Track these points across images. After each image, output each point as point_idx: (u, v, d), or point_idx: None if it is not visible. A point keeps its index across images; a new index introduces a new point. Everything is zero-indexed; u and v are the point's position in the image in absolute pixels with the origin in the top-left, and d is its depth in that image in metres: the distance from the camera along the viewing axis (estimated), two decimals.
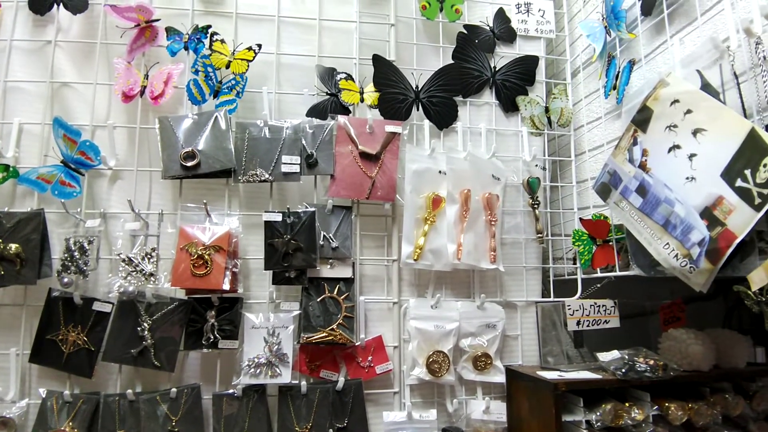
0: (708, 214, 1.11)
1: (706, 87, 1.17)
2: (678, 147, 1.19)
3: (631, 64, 1.48)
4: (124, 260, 1.38)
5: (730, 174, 1.06)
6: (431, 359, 1.48)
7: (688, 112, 1.17)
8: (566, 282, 1.72)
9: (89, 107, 1.49)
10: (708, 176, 1.11)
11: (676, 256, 1.19)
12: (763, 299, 1.05)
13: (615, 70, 1.54)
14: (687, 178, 1.16)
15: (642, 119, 1.30)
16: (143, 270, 1.38)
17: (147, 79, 1.49)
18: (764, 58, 1.04)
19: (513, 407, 1.52)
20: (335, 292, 1.46)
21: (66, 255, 1.36)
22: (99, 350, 1.37)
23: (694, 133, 1.15)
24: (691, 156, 1.16)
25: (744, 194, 1.04)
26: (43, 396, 1.34)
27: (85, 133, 1.45)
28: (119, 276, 1.37)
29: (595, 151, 1.68)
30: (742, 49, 1.11)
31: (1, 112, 1.46)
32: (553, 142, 1.85)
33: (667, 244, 1.21)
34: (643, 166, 1.29)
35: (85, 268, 1.36)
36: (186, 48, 1.52)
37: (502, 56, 1.75)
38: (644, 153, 1.30)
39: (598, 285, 1.60)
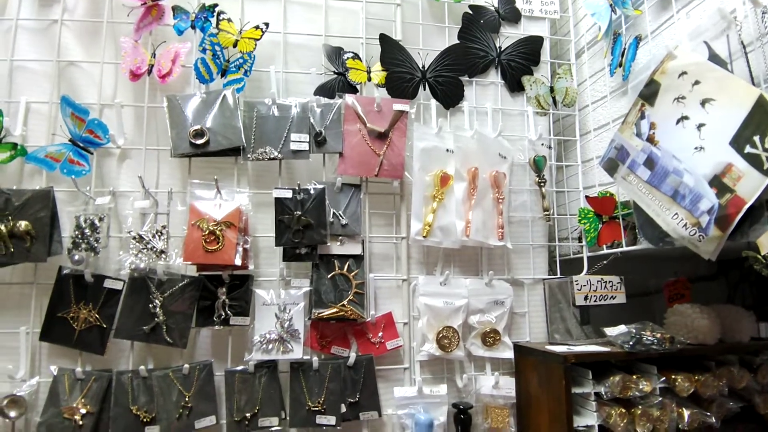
0: (717, 182, 1.12)
1: (713, 58, 1.19)
2: (686, 118, 1.20)
3: (638, 40, 1.49)
4: (134, 238, 1.38)
5: (738, 141, 1.08)
6: (441, 335, 1.49)
7: (696, 83, 1.19)
8: (572, 261, 1.73)
9: (96, 86, 1.49)
10: (717, 145, 1.13)
11: (685, 225, 1.20)
12: None
13: (621, 47, 1.55)
14: (696, 148, 1.17)
15: (649, 93, 1.31)
16: (154, 247, 1.38)
17: (154, 57, 1.49)
18: None
19: (522, 382, 1.54)
20: (345, 269, 1.47)
21: (76, 232, 1.36)
22: (111, 327, 1.37)
23: (703, 103, 1.16)
24: (700, 126, 1.17)
25: (753, 160, 1.05)
26: (55, 374, 1.34)
27: (92, 111, 1.44)
28: (130, 253, 1.37)
29: (600, 130, 1.69)
30: (748, 19, 1.12)
31: (8, 91, 1.45)
32: (558, 122, 1.86)
33: (676, 214, 1.23)
34: (651, 139, 1.31)
35: (96, 245, 1.36)
36: (193, 27, 1.51)
37: (507, 36, 1.76)
38: (652, 126, 1.31)
39: (605, 262, 1.62)
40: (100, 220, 1.36)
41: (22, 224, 1.32)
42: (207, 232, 1.35)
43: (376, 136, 1.54)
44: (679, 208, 1.22)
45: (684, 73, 1.22)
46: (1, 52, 1.46)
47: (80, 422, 1.30)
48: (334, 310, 1.42)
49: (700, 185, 1.16)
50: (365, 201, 1.55)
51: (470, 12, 1.73)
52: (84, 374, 1.34)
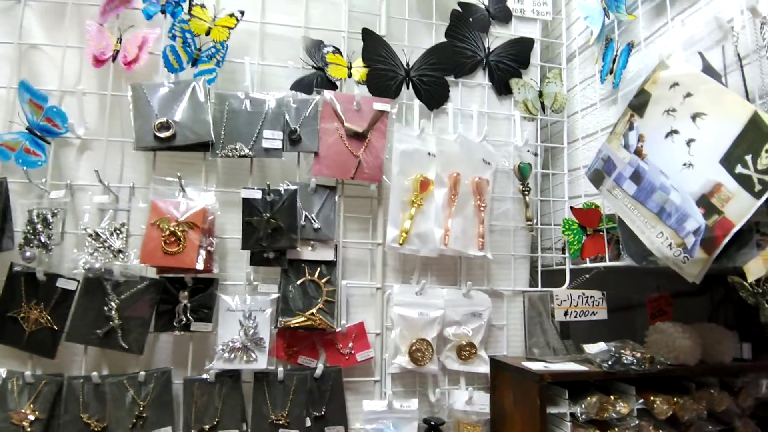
0: (705, 202, 1.06)
1: (707, 69, 1.13)
2: (676, 132, 1.14)
3: (630, 47, 1.43)
4: (90, 235, 1.30)
5: (729, 160, 1.02)
6: (414, 347, 1.42)
7: (688, 95, 1.13)
8: (554, 272, 1.68)
9: (58, 71, 1.40)
10: (706, 162, 1.07)
11: (670, 245, 1.15)
12: (759, 291, 1.02)
13: (612, 53, 1.49)
14: (684, 165, 1.11)
15: (639, 103, 1.25)
16: (111, 246, 1.30)
17: (120, 43, 1.40)
18: None
19: (497, 398, 1.48)
20: (316, 275, 1.40)
21: (28, 227, 1.28)
22: (63, 330, 1.29)
23: (694, 117, 1.10)
24: (690, 141, 1.11)
25: (744, 181, 0.99)
26: (3, 376, 1.26)
27: (53, 98, 1.36)
28: (85, 252, 1.29)
29: (588, 139, 1.63)
30: (746, 30, 1.06)
31: None
32: (546, 129, 1.80)
33: (661, 233, 1.17)
34: (638, 152, 1.25)
35: (48, 242, 1.27)
36: (163, 12, 1.42)
37: (497, 36, 1.69)
38: (640, 138, 1.25)
39: (587, 276, 1.56)
40: (54, 215, 1.28)
41: None
42: (167, 233, 1.27)
43: (353, 136, 1.47)
44: (664, 226, 1.16)
45: (676, 84, 1.16)
46: None
47: (28, 429, 1.23)
48: (302, 318, 1.35)
49: (687, 204, 1.11)
50: (340, 204, 1.48)
51: (459, 9, 1.66)
52: (33, 378, 1.27)
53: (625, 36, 1.49)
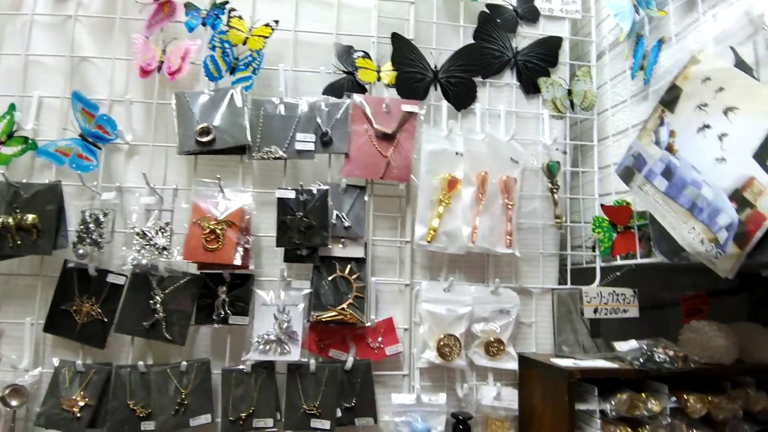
0: (737, 197, 1.05)
1: (739, 64, 1.11)
2: (708, 127, 1.14)
3: (660, 42, 1.42)
4: (138, 234, 1.38)
5: (762, 154, 1.01)
6: (442, 342, 1.45)
7: (720, 90, 1.12)
8: (584, 270, 1.67)
9: (108, 82, 1.50)
10: (739, 157, 1.06)
11: (702, 240, 1.13)
12: None
13: (643, 49, 1.48)
14: (716, 159, 1.10)
15: (670, 99, 1.25)
16: (156, 244, 1.38)
17: (164, 54, 1.49)
18: None
19: (525, 395, 1.49)
20: (346, 272, 1.45)
21: (81, 227, 1.37)
22: (112, 322, 1.38)
23: (726, 111, 1.09)
24: (722, 136, 1.10)
25: None
26: (56, 365, 1.36)
27: (103, 107, 1.46)
28: (133, 249, 1.38)
29: (618, 136, 1.62)
30: None
31: (21, 85, 1.47)
32: (576, 126, 1.79)
33: (693, 228, 1.16)
34: (670, 148, 1.24)
35: (99, 240, 1.37)
36: (204, 24, 1.51)
37: (525, 36, 1.70)
38: (672, 134, 1.24)
39: (618, 273, 1.55)
40: (105, 215, 1.38)
41: (30, 217, 1.34)
42: (208, 231, 1.35)
43: (383, 137, 1.51)
44: (696, 222, 1.15)
45: (707, 78, 1.15)
46: (16, 47, 1.48)
47: (78, 414, 1.31)
48: (333, 313, 1.40)
49: (719, 199, 1.09)
50: (370, 203, 1.52)
51: (487, 11, 1.68)
52: (84, 367, 1.36)
53: (656, 32, 1.48)
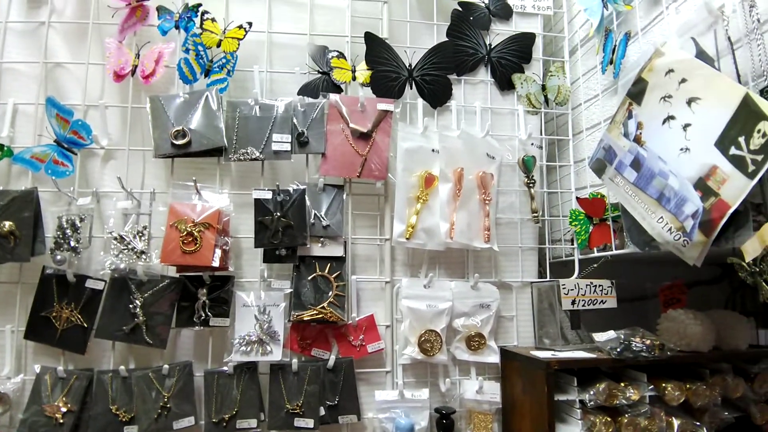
0: (702, 185, 1.07)
1: (701, 55, 1.14)
2: (672, 118, 1.16)
3: (628, 36, 1.44)
4: (115, 238, 1.38)
5: (724, 142, 1.03)
6: (423, 338, 1.46)
7: (683, 81, 1.14)
8: (564, 263, 1.69)
9: (82, 87, 1.50)
10: (702, 146, 1.08)
11: (670, 229, 1.16)
12: (757, 269, 1.02)
13: (612, 44, 1.50)
14: (681, 149, 1.13)
15: (637, 92, 1.27)
16: (134, 248, 1.38)
17: (138, 58, 1.49)
18: (758, 21, 1.00)
19: (507, 387, 1.50)
20: (326, 271, 1.46)
21: (58, 233, 1.37)
22: (92, 327, 1.38)
23: (689, 102, 1.12)
24: (686, 126, 1.12)
25: (738, 162, 1.00)
26: (38, 372, 1.36)
27: (77, 112, 1.45)
28: (111, 254, 1.38)
29: (592, 129, 1.64)
30: (736, 14, 1.07)
31: None
32: (551, 122, 1.81)
33: (661, 218, 1.18)
34: (638, 140, 1.26)
35: (77, 245, 1.37)
36: (177, 27, 1.51)
37: (498, 33, 1.72)
38: (639, 126, 1.27)
39: (595, 265, 1.57)
40: (81, 220, 1.37)
41: (6, 224, 1.34)
42: (185, 233, 1.35)
43: (359, 136, 1.52)
44: (664, 211, 1.17)
45: (671, 70, 1.17)
46: None
47: (61, 420, 1.31)
48: (314, 312, 1.41)
49: (685, 188, 1.12)
50: (348, 202, 1.53)
51: (459, 9, 1.70)
52: (66, 373, 1.36)
53: (624, 26, 1.51)
